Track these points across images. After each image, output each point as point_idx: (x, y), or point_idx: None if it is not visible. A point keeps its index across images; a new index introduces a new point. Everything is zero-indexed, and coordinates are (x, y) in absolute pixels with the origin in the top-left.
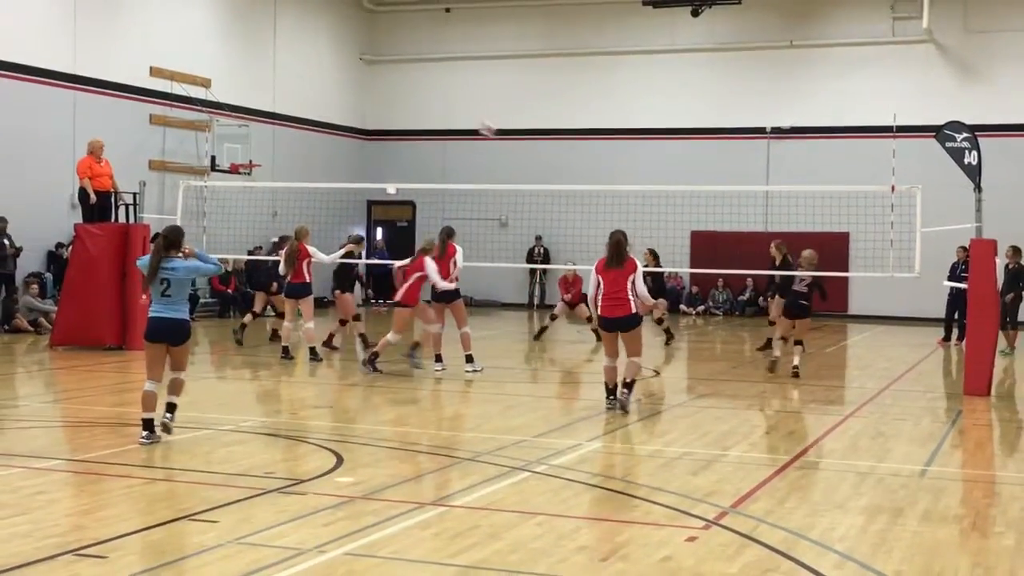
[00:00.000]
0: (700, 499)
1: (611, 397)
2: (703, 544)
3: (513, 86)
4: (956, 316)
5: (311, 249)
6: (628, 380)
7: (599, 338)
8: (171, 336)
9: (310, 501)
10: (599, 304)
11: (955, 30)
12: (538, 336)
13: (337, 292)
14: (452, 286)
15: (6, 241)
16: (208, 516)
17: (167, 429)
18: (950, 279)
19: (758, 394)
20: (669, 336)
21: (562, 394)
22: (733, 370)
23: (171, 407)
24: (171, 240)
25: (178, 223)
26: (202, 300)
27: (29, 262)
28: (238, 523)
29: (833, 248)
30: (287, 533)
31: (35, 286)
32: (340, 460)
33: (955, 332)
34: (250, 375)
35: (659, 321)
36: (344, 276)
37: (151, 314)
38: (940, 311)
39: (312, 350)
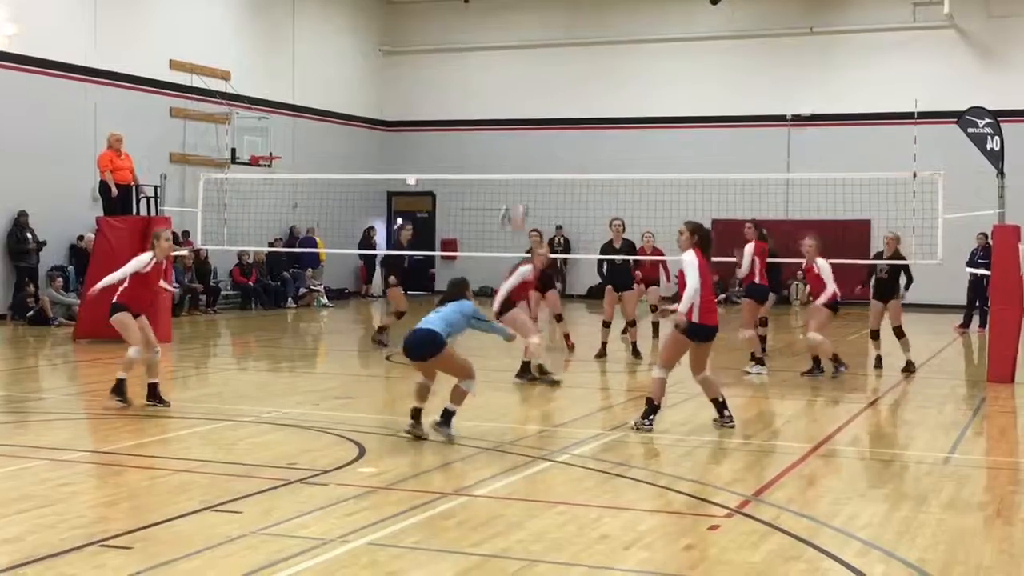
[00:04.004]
0: (722, 487)
1: (652, 418)
2: (726, 532)
3: (532, 76)
4: (977, 303)
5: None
6: (721, 399)
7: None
8: (415, 349)
9: (333, 492)
10: (695, 309)
11: (977, 15)
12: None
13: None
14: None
15: (28, 234)
16: (231, 507)
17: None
18: (969, 265)
19: (780, 382)
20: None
21: (583, 383)
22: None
23: (445, 413)
24: (451, 295)
25: (199, 215)
26: (224, 292)
27: (51, 255)
28: (262, 514)
29: (855, 235)
30: (310, 524)
31: (59, 280)
32: (362, 451)
33: (975, 319)
34: (271, 366)
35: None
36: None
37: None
38: (963, 298)
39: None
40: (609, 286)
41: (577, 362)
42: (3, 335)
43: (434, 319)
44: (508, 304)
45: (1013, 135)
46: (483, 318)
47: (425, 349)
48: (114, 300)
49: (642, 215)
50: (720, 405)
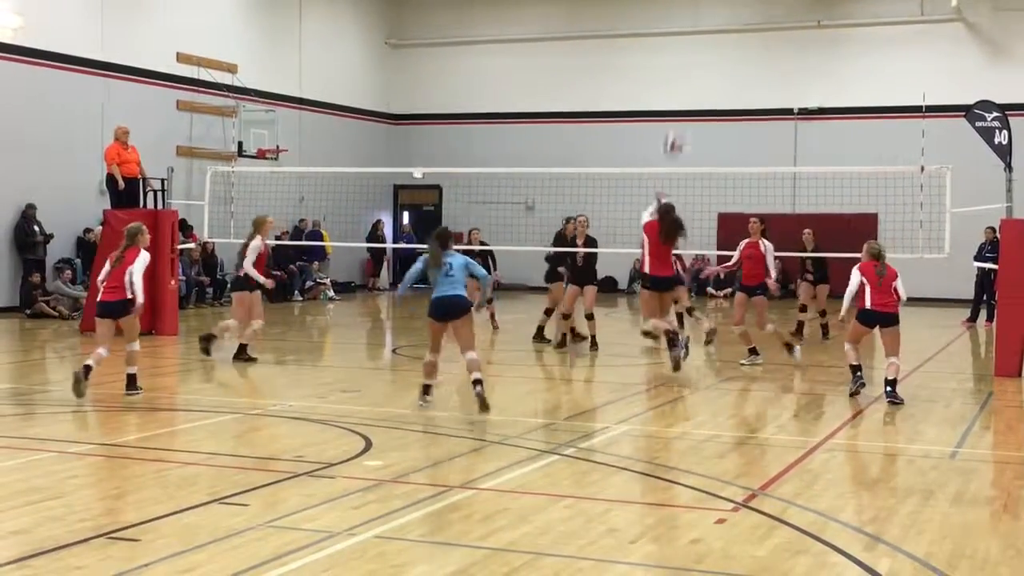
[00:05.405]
0: (729, 481)
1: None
2: (732, 526)
3: (538, 69)
4: (984, 297)
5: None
6: (672, 333)
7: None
8: (451, 311)
9: (340, 484)
10: (647, 263)
11: (984, 8)
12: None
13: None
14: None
15: (36, 227)
16: (239, 499)
17: (483, 405)
18: (976, 259)
19: (786, 376)
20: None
21: (590, 377)
22: (761, 352)
23: (476, 382)
24: (444, 240)
25: (206, 208)
26: (230, 285)
27: (58, 248)
28: (269, 506)
29: (862, 229)
30: (317, 516)
31: (68, 272)
32: (369, 444)
33: (983, 313)
34: (278, 359)
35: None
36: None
37: (434, 295)
38: (970, 292)
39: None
40: (572, 284)
41: (578, 356)
42: (10, 328)
43: (456, 283)
44: (244, 282)
45: (1021, 129)
46: (475, 264)
47: (459, 309)
48: (130, 296)
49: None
50: (672, 336)
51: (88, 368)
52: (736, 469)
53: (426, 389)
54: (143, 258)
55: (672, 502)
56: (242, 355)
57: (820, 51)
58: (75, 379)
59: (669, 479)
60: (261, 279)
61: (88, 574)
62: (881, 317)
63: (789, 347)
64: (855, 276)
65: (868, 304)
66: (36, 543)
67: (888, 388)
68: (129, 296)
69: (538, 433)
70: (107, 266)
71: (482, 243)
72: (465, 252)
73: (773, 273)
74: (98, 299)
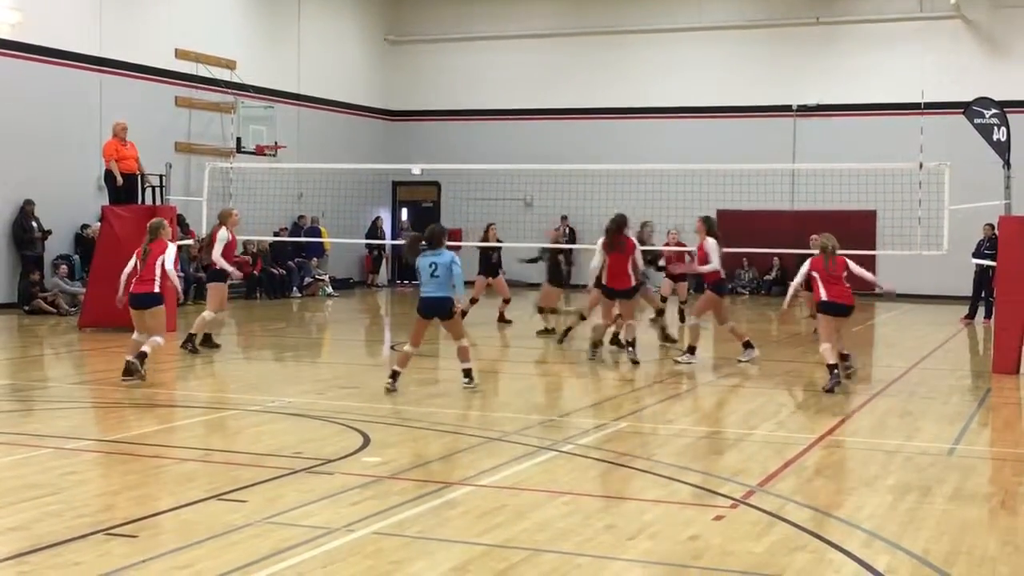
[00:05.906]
0: (727, 478)
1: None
2: (730, 523)
3: (538, 65)
4: (983, 294)
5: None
6: (630, 340)
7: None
8: (437, 311)
9: (338, 481)
10: (604, 277)
11: (983, 5)
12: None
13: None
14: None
15: (34, 223)
16: (237, 496)
17: (471, 382)
18: (975, 256)
19: (784, 373)
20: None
21: (588, 373)
22: (759, 349)
23: (466, 372)
24: (435, 239)
25: (204, 205)
26: (228, 282)
27: (57, 244)
28: (267, 503)
29: (860, 226)
30: (315, 513)
31: (64, 267)
32: (367, 440)
33: (981, 310)
34: (276, 355)
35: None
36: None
37: (422, 294)
38: (968, 289)
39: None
40: (596, 289)
41: (580, 353)
42: (8, 324)
43: (442, 284)
44: (220, 274)
45: (1020, 126)
46: (459, 265)
47: (444, 310)
48: (157, 290)
49: (648, 205)
50: (630, 343)
51: (133, 362)
52: (734, 466)
53: (393, 374)
54: (171, 250)
55: (670, 499)
56: (209, 342)
57: (819, 48)
58: (127, 368)
59: (667, 476)
60: (229, 268)
61: (86, 570)
62: (840, 307)
63: (692, 349)
64: (804, 268)
65: (825, 296)
66: (34, 539)
67: (847, 363)
68: (157, 290)
69: (536, 429)
70: (133, 261)
71: (498, 239)
72: (482, 248)
73: (710, 267)
74: (130, 291)
